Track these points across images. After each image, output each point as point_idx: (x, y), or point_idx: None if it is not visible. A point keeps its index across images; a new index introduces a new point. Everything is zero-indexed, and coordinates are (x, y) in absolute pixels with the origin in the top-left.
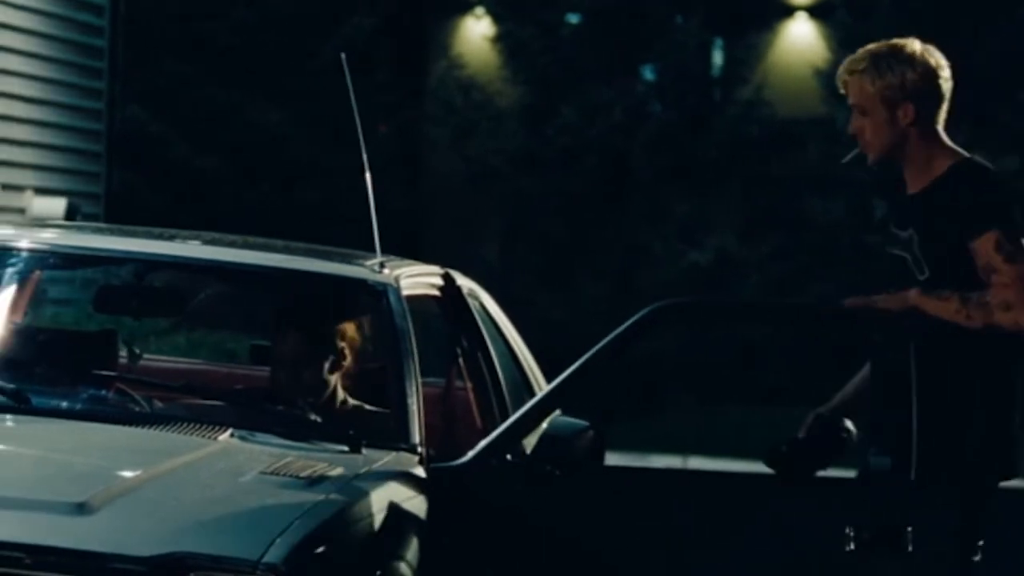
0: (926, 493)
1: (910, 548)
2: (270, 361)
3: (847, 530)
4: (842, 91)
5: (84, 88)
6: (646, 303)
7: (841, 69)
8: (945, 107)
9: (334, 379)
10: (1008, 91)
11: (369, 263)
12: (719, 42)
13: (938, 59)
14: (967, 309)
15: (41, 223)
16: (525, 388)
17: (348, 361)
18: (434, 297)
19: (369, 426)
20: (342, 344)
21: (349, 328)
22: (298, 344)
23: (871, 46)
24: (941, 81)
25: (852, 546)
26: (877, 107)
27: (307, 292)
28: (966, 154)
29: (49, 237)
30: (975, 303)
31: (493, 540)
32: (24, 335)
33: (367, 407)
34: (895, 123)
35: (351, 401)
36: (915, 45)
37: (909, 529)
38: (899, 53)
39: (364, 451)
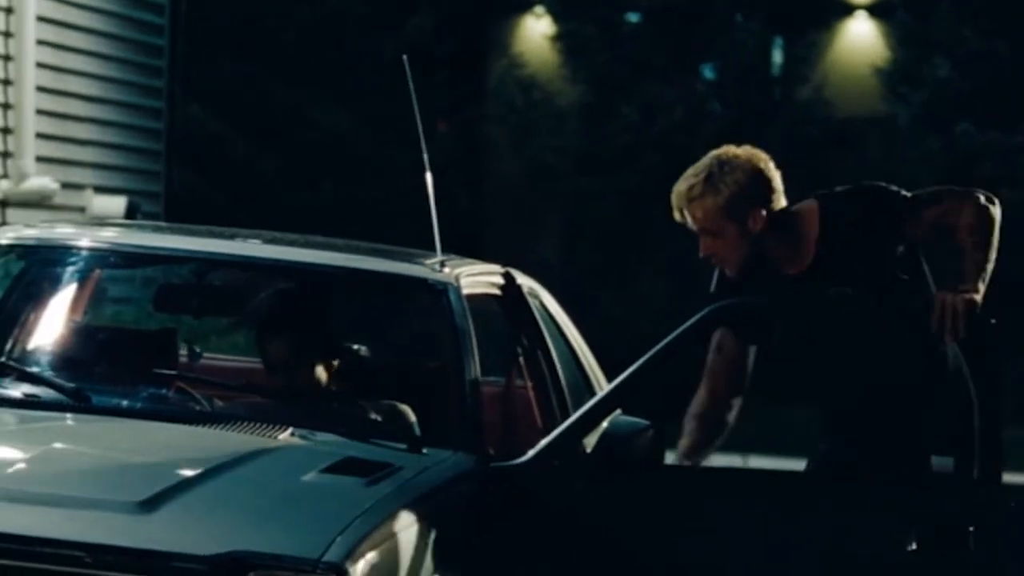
0: (989, 492)
1: (972, 547)
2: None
3: (909, 529)
4: (681, 220)
5: (144, 87)
6: (705, 302)
7: (674, 199)
8: (781, 190)
9: (322, 378)
10: None
11: (429, 262)
12: (779, 41)
13: (763, 156)
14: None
15: (101, 222)
16: (585, 387)
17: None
18: (494, 296)
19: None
20: (317, 340)
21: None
22: (274, 348)
23: (692, 171)
24: (773, 174)
25: (914, 545)
26: (726, 225)
27: (368, 291)
28: (813, 200)
29: (109, 236)
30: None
31: (553, 539)
32: (84, 334)
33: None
34: (747, 234)
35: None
36: (735, 149)
37: (971, 529)
38: (728, 162)
39: (424, 450)
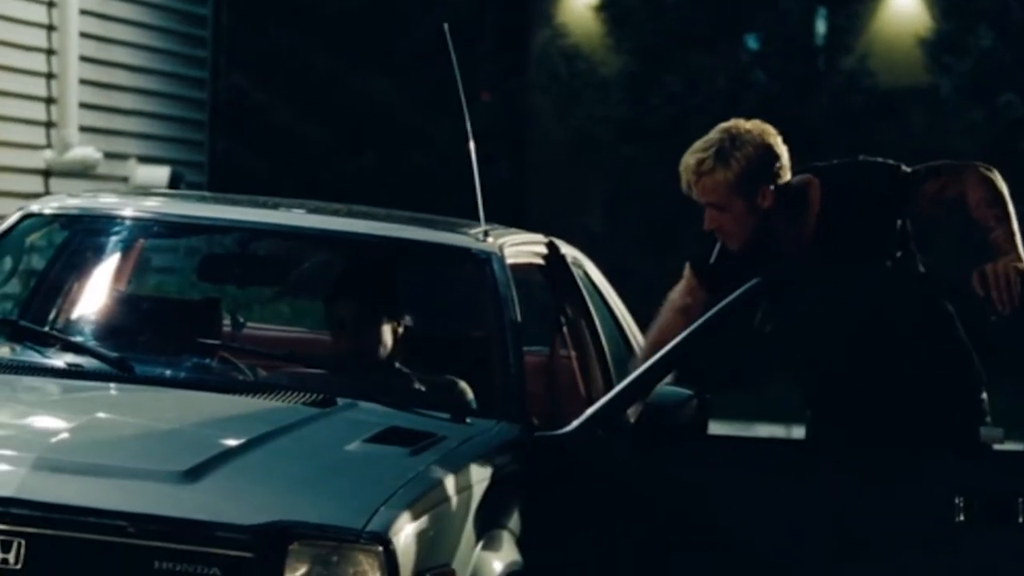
0: None
1: (1021, 519)
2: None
3: (956, 501)
4: (688, 192)
5: (187, 56)
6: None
7: (682, 170)
8: (787, 161)
9: (389, 346)
10: None
11: (473, 231)
12: (822, 11)
13: (771, 130)
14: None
15: (145, 191)
16: (629, 357)
17: (390, 331)
18: (538, 266)
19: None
20: (381, 315)
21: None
22: (345, 309)
23: (701, 145)
24: (781, 149)
25: (962, 517)
26: (735, 201)
27: (412, 260)
28: (811, 175)
29: (153, 205)
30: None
31: (597, 509)
32: (128, 303)
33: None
34: (756, 209)
35: (405, 371)
36: (746, 123)
37: (1020, 500)
38: (738, 136)
39: (468, 420)
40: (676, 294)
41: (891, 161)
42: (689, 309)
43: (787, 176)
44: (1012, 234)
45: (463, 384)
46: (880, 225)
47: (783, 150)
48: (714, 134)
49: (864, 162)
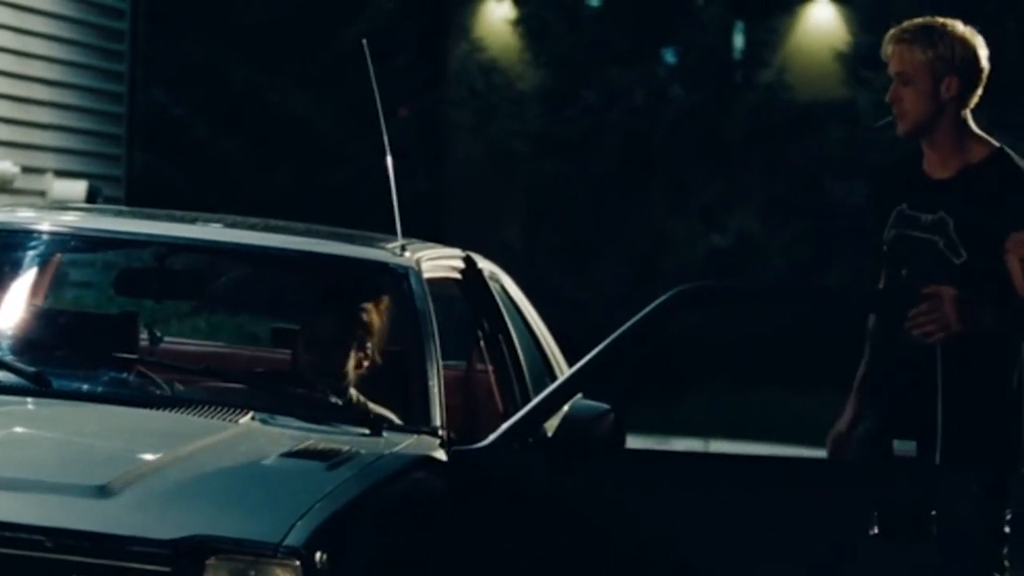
0: (951, 477)
1: (935, 532)
2: (294, 344)
3: (871, 513)
4: (886, 58)
5: (105, 70)
6: (668, 286)
7: (888, 36)
8: (980, 91)
9: (351, 370)
10: None
11: (390, 246)
12: (740, 25)
13: (982, 43)
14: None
15: (62, 206)
16: (546, 371)
17: (361, 355)
18: (455, 280)
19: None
20: (364, 335)
21: (374, 321)
22: (323, 328)
23: (920, 19)
24: (984, 64)
25: (876, 529)
26: (923, 76)
27: (328, 275)
28: (997, 144)
29: (70, 220)
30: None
31: (514, 523)
32: (45, 318)
33: (371, 405)
34: (937, 95)
35: (358, 398)
36: (962, 26)
37: (934, 513)
38: (949, 28)
39: (385, 434)
40: None
41: None
42: None
43: (974, 98)
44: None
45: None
46: (999, 222)
47: (985, 67)
48: (932, 18)
49: (1019, 167)
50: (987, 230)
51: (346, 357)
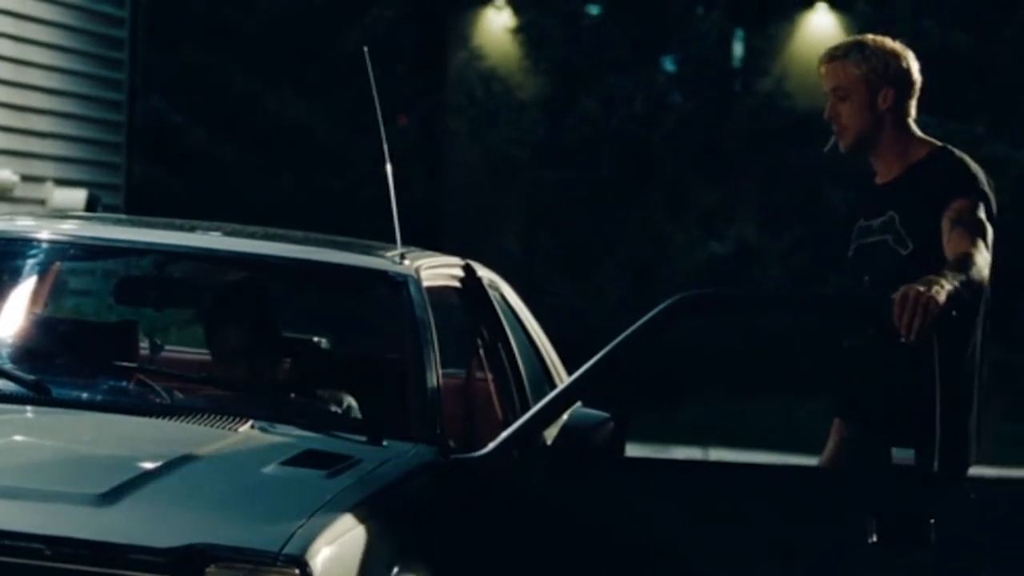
0: (949, 484)
1: (933, 539)
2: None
3: (870, 521)
4: (822, 78)
5: (104, 79)
6: (666, 294)
7: (822, 56)
8: (915, 101)
9: (273, 368)
10: None
11: (389, 254)
12: (739, 33)
13: (913, 56)
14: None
15: (61, 214)
16: (546, 379)
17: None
18: (455, 288)
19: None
20: (253, 336)
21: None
22: (227, 344)
23: (849, 38)
24: (916, 73)
25: (874, 537)
26: (859, 90)
27: (327, 284)
28: (940, 143)
29: (70, 228)
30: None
31: (513, 531)
32: (45, 326)
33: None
34: (874, 107)
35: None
36: (891, 41)
37: (932, 521)
38: (879, 43)
39: (385, 442)
40: None
41: (985, 189)
42: None
43: (912, 105)
44: (957, 276)
45: (342, 394)
46: (938, 207)
47: (917, 78)
48: (862, 36)
49: (974, 165)
50: (932, 219)
51: (259, 361)
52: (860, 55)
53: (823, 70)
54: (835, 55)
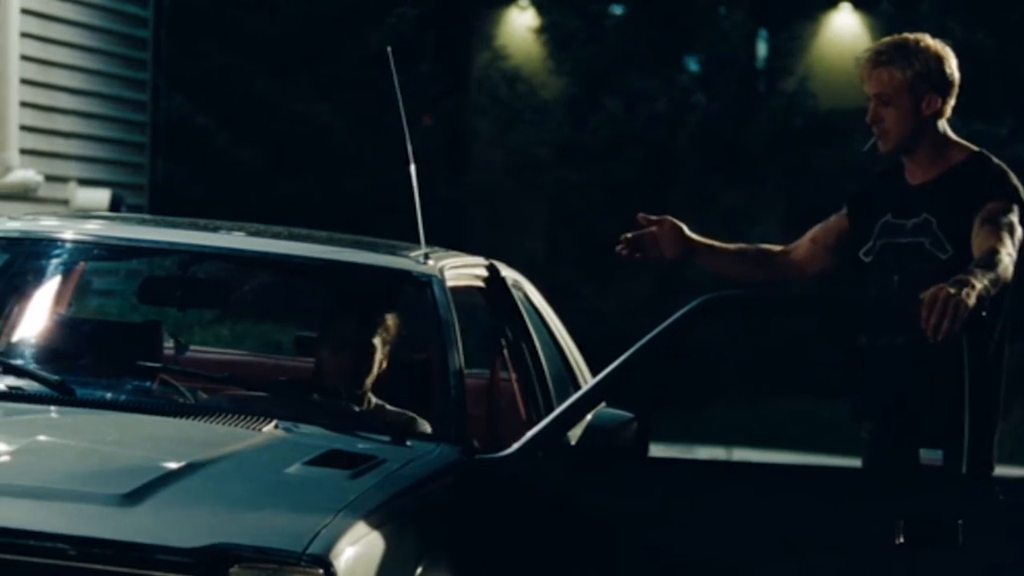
0: (977, 485)
1: (960, 540)
2: (316, 348)
3: (897, 522)
4: (862, 81)
5: (128, 79)
6: (691, 294)
7: (864, 59)
8: (953, 101)
9: (374, 373)
10: None
11: (413, 254)
12: (763, 33)
13: (951, 53)
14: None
15: (85, 214)
16: (569, 379)
17: (380, 357)
18: (478, 288)
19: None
20: (378, 340)
21: (388, 326)
22: (348, 330)
23: (889, 39)
24: (956, 74)
25: (901, 538)
26: (903, 96)
27: (351, 283)
28: (976, 148)
29: (93, 228)
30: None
31: (537, 531)
32: (69, 326)
33: (388, 407)
34: (918, 113)
35: (374, 400)
36: (931, 39)
37: (959, 522)
38: (923, 44)
39: (408, 442)
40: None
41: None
42: (816, 238)
43: (950, 103)
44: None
45: (421, 420)
46: (970, 219)
47: (957, 79)
48: (902, 35)
49: (1007, 175)
50: (970, 224)
51: (371, 359)
52: (905, 60)
53: (864, 73)
54: (879, 60)
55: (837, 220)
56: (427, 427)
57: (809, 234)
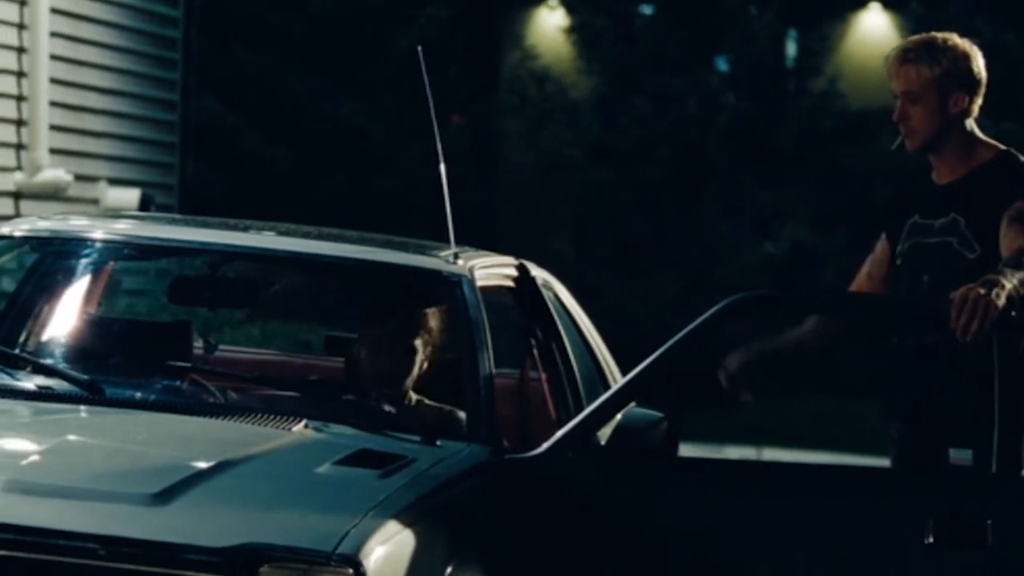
0: (1007, 485)
1: (990, 540)
2: (354, 347)
3: (926, 522)
4: (889, 78)
5: (158, 79)
6: (720, 294)
7: (892, 57)
8: (980, 100)
9: (409, 376)
10: None
11: (443, 254)
12: (793, 33)
13: (978, 52)
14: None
15: (115, 214)
16: (599, 379)
17: (422, 357)
18: (508, 288)
19: (429, 422)
20: (419, 341)
21: (430, 325)
22: (388, 329)
23: (917, 37)
24: (984, 73)
25: (931, 538)
26: (931, 94)
27: (382, 283)
28: (1004, 147)
29: (123, 228)
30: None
31: (567, 531)
32: (98, 326)
33: (427, 402)
34: (945, 111)
35: (414, 396)
36: (959, 38)
37: (989, 522)
38: (951, 43)
39: (438, 442)
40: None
41: None
42: (872, 274)
43: (977, 103)
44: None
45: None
46: (997, 218)
47: (985, 78)
48: (930, 34)
49: None
50: (998, 222)
51: (412, 358)
52: (932, 58)
53: (892, 71)
54: (907, 58)
55: (882, 248)
56: (464, 419)
57: (864, 271)
